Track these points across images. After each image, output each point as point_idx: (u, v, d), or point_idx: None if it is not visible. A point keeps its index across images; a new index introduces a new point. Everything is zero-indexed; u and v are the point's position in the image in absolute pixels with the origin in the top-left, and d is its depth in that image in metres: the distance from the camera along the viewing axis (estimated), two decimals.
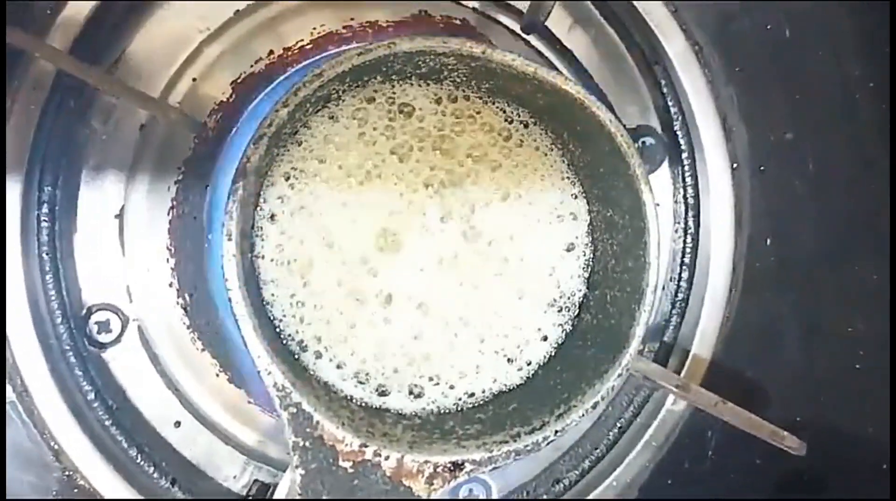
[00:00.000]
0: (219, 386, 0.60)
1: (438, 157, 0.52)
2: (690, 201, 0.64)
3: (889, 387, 0.65)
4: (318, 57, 0.58)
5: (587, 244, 0.54)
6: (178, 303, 0.59)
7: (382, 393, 0.51)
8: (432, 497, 0.46)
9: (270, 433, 0.61)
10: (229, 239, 0.44)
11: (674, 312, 0.65)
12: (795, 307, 0.66)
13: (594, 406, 0.47)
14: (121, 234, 0.58)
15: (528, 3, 0.59)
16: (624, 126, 0.48)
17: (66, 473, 0.56)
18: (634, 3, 0.61)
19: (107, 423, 0.57)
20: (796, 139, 0.65)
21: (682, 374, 0.62)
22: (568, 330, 0.54)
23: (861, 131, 0.66)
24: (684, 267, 0.65)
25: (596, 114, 0.47)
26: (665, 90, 0.63)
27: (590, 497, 0.64)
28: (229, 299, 0.44)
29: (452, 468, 0.46)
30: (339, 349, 0.51)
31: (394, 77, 0.50)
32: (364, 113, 0.51)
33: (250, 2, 0.58)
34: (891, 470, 0.63)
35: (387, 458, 0.45)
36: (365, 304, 0.51)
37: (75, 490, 0.56)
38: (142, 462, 0.58)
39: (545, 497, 0.63)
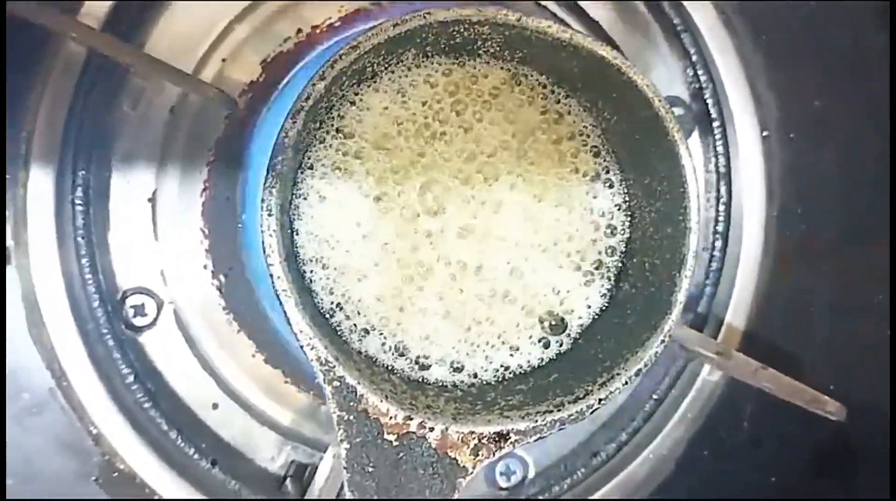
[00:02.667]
0: (255, 367, 0.60)
1: (480, 131, 0.52)
2: (722, 169, 0.64)
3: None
4: (346, 33, 0.58)
5: (624, 211, 0.54)
6: (212, 284, 0.59)
7: (423, 367, 0.51)
8: (478, 468, 0.46)
9: (306, 412, 0.61)
10: (269, 215, 0.44)
11: (707, 281, 0.65)
12: (828, 276, 0.66)
13: (637, 374, 0.47)
14: (154, 217, 0.58)
15: None
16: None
17: (106, 457, 0.56)
18: None
19: (145, 406, 0.57)
20: (825, 106, 0.65)
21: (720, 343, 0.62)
22: (607, 299, 0.53)
23: (883, 99, 0.66)
24: (717, 236, 0.64)
25: (633, 79, 0.46)
26: (694, 59, 0.63)
27: (627, 469, 0.64)
28: (270, 276, 0.44)
29: (497, 438, 0.46)
30: (380, 323, 0.51)
31: (428, 50, 0.49)
32: (403, 90, 0.51)
33: None
34: (891, 470, 0.63)
35: (431, 430, 0.45)
36: (407, 280, 0.51)
37: (115, 475, 0.57)
38: (181, 444, 0.58)
39: (583, 469, 0.63)
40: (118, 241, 0.57)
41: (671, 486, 0.64)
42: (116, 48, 0.52)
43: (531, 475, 0.64)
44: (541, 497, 0.63)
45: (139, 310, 0.58)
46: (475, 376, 0.52)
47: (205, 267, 0.59)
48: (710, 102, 0.63)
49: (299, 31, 0.59)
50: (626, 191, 0.53)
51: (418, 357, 0.51)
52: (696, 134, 0.64)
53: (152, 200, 0.58)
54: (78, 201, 0.56)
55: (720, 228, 0.64)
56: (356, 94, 0.51)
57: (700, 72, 0.63)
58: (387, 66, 0.50)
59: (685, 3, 0.61)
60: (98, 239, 0.57)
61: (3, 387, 0.54)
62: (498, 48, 0.50)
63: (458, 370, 0.52)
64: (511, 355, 0.52)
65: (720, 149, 0.64)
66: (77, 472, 0.56)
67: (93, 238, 0.57)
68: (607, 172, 0.53)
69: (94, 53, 0.54)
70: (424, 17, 0.45)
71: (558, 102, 0.53)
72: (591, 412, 0.47)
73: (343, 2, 0.59)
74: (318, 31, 0.59)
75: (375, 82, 0.51)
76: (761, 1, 0.63)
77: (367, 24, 0.59)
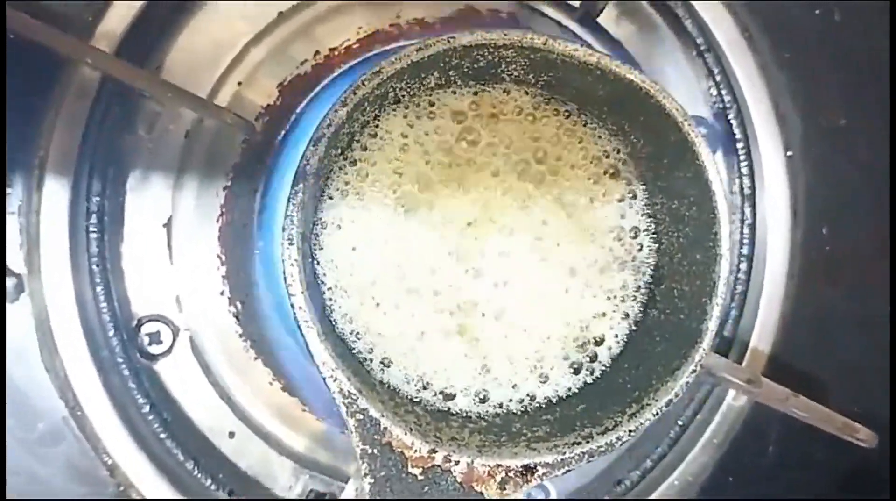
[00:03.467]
0: (272, 395, 0.59)
1: (506, 157, 0.51)
2: (746, 191, 0.63)
3: None
4: (365, 56, 0.57)
5: (651, 236, 0.53)
6: (229, 312, 0.58)
7: (448, 397, 0.50)
8: None
9: (323, 440, 0.60)
10: (290, 244, 0.43)
11: (732, 305, 0.64)
12: (854, 298, 0.65)
13: (668, 404, 0.46)
14: (169, 243, 0.57)
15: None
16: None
17: (121, 488, 0.56)
18: None
19: (161, 436, 0.56)
20: (849, 125, 0.64)
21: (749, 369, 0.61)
22: (634, 327, 0.52)
23: None
24: (742, 259, 0.64)
25: (661, 103, 0.46)
26: (717, 79, 0.63)
27: (651, 497, 0.63)
28: (292, 306, 0.43)
29: (524, 472, 0.45)
30: (404, 354, 0.50)
31: (452, 74, 0.48)
32: (427, 116, 0.51)
33: (294, 2, 0.58)
34: (891, 470, 0.62)
35: (457, 463, 0.44)
36: (431, 309, 0.50)
37: None
38: (198, 475, 0.57)
39: (606, 497, 0.62)
40: (133, 267, 0.57)
41: None
42: (131, 73, 0.51)
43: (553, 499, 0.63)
44: None
45: (154, 338, 0.57)
46: (500, 406, 0.51)
47: (221, 294, 0.58)
48: (734, 122, 0.63)
49: (316, 53, 0.58)
50: (653, 215, 0.52)
51: (443, 389, 0.50)
52: (719, 154, 0.63)
53: (167, 225, 0.57)
54: (92, 228, 0.55)
55: (745, 250, 0.64)
56: (378, 119, 0.50)
57: (724, 91, 0.63)
58: (409, 90, 0.49)
59: (708, 21, 0.61)
60: (112, 265, 0.56)
61: (3, 386, 0.54)
62: (523, 72, 0.49)
63: (483, 400, 0.51)
64: (539, 386, 0.51)
65: (744, 170, 0.63)
66: None
67: (107, 265, 0.56)
68: (634, 197, 0.53)
69: (108, 78, 0.53)
70: (448, 41, 0.45)
71: (585, 125, 0.52)
72: (621, 444, 0.46)
73: (360, 23, 0.59)
74: (335, 53, 0.58)
75: (398, 108, 0.50)
76: (784, 19, 0.63)
77: (385, 46, 0.58)
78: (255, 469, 0.59)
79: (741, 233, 0.64)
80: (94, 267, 0.55)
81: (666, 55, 0.63)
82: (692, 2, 0.61)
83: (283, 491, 0.59)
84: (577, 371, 0.52)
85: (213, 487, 0.57)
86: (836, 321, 0.65)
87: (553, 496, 0.62)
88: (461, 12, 0.60)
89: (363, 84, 0.44)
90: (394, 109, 0.50)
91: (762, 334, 0.63)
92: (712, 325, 0.47)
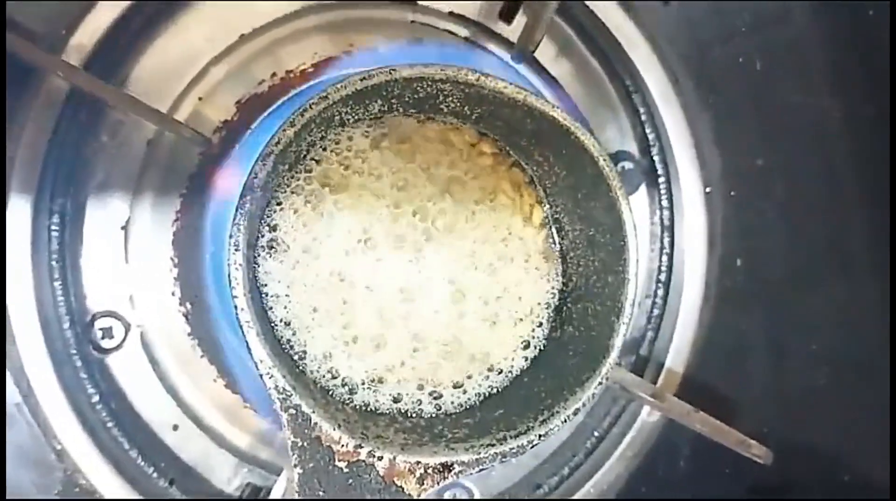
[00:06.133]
0: (216, 391, 0.62)
1: (433, 176, 0.56)
2: (666, 222, 0.68)
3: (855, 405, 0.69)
4: (318, 80, 0.61)
5: (568, 260, 0.57)
6: (179, 311, 0.61)
7: (375, 399, 0.54)
8: (422, 496, 0.48)
9: (262, 437, 0.64)
10: (236, 250, 0.46)
11: (649, 327, 0.68)
12: (764, 325, 0.70)
13: (575, 412, 0.50)
14: (126, 244, 0.60)
15: (518, 34, 0.63)
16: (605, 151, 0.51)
17: (68, 473, 0.58)
18: (617, 36, 0.65)
19: (108, 425, 0.59)
20: (766, 165, 0.69)
21: (657, 386, 0.66)
22: (543, 341, 0.57)
23: (829, 158, 0.70)
24: (659, 285, 0.68)
25: (580, 139, 0.50)
26: (643, 118, 0.67)
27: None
28: (234, 306, 0.46)
29: (442, 469, 0.48)
30: (334, 356, 0.54)
31: (394, 103, 0.53)
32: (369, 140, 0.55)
33: (254, 26, 0.61)
34: (891, 470, 0.66)
35: (380, 458, 0.47)
36: (362, 318, 0.54)
37: (76, 490, 0.58)
38: (141, 463, 0.60)
39: (526, 498, 0.66)
40: (90, 265, 0.59)
41: None
42: (97, 87, 0.54)
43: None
44: None
45: (107, 333, 0.60)
46: (422, 410, 0.55)
47: (172, 294, 0.61)
48: (656, 158, 0.67)
49: (273, 74, 0.62)
50: (573, 241, 0.57)
51: (369, 389, 0.54)
52: (643, 187, 0.67)
53: (125, 227, 0.60)
54: (54, 226, 0.58)
55: (663, 277, 0.68)
56: (325, 139, 0.54)
57: (648, 129, 0.67)
58: (355, 114, 0.53)
59: (637, 64, 0.65)
60: (71, 263, 0.59)
61: (3, 386, 0.56)
62: (459, 104, 0.53)
63: (407, 403, 0.55)
64: (454, 394, 0.55)
65: (665, 202, 0.67)
66: (39, 486, 0.57)
67: (66, 262, 0.59)
68: (556, 222, 0.57)
69: (76, 88, 0.56)
70: (390, 72, 0.48)
71: (510, 154, 0.57)
72: (531, 447, 0.50)
73: (317, 49, 0.62)
74: (291, 75, 0.62)
75: (345, 130, 0.54)
76: (708, 65, 0.67)
77: (339, 71, 0.62)
78: (197, 461, 0.62)
79: (660, 261, 0.68)
80: (53, 263, 0.58)
81: (599, 93, 0.67)
82: (624, 48, 0.65)
83: (222, 483, 0.62)
84: (491, 381, 0.56)
85: (155, 476, 0.60)
86: (748, 346, 0.70)
87: (476, 495, 0.66)
88: (411, 44, 0.64)
89: (311, 107, 0.47)
90: (342, 131, 0.54)
91: (676, 355, 0.67)
92: (618, 342, 0.51)
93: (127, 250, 0.60)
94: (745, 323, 0.69)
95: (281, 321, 0.53)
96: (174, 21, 0.60)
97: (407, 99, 0.52)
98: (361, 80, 0.48)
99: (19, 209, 0.57)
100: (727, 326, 0.69)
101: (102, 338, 0.60)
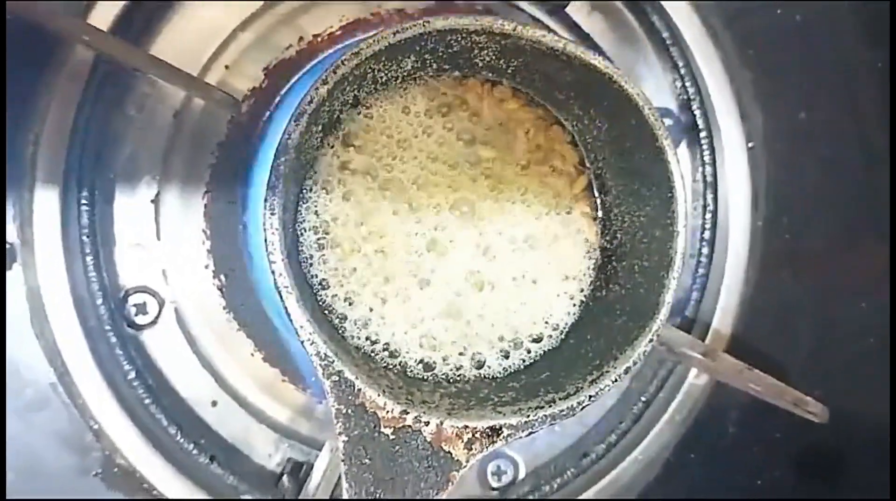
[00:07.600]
0: (253, 365, 0.61)
1: (476, 134, 0.55)
2: (709, 178, 0.66)
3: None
4: (346, 42, 0.60)
5: (613, 216, 0.56)
6: (213, 284, 0.60)
7: (421, 363, 0.53)
8: (471, 461, 0.47)
9: (303, 411, 0.63)
10: (272, 213, 0.45)
11: (694, 287, 0.67)
12: (811, 283, 0.68)
13: (626, 371, 0.49)
14: (157, 218, 0.59)
15: None
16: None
17: (107, 452, 0.57)
18: None
19: (146, 402, 0.58)
20: (809, 119, 0.67)
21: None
22: (589, 302, 0.56)
23: (866, 113, 0.68)
24: (704, 243, 0.66)
25: (623, 87, 0.48)
26: (682, 72, 0.65)
27: (615, 470, 0.65)
28: (272, 272, 0.45)
29: (490, 433, 0.47)
30: (377, 322, 0.52)
31: (427, 58, 0.51)
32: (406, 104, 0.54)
33: None
34: (891, 470, 0.65)
35: (427, 424, 0.46)
36: (405, 279, 0.53)
37: (115, 470, 0.57)
38: (181, 440, 0.59)
39: (572, 470, 0.65)
40: (122, 241, 0.59)
41: (659, 487, 0.66)
42: (127, 51, 0.53)
43: (522, 475, 0.65)
44: (531, 497, 0.65)
45: (141, 309, 0.59)
46: (465, 375, 0.54)
47: (206, 267, 0.60)
48: (697, 113, 0.66)
49: (300, 39, 0.60)
50: (617, 196, 0.55)
51: (415, 356, 0.53)
52: (683, 144, 0.66)
53: (155, 201, 0.59)
54: (84, 202, 0.57)
55: (707, 235, 0.66)
56: (359, 103, 0.53)
57: (688, 84, 0.65)
58: (388, 72, 0.51)
59: (674, 17, 0.63)
60: (102, 239, 0.58)
61: (3, 385, 0.55)
62: (494, 57, 0.52)
63: (449, 368, 0.53)
64: (497, 359, 0.54)
65: (707, 159, 0.66)
66: (77, 467, 0.57)
67: (97, 238, 0.58)
68: (597, 177, 0.55)
69: (101, 59, 0.55)
70: (423, 25, 0.47)
71: (549, 110, 0.55)
72: (581, 409, 0.48)
73: (343, 12, 0.61)
74: (318, 39, 0.61)
75: (377, 92, 0.53)
76: (747, 17, 0.66)
77: (366, 33, 0.60)
78: (237, 437, 0.61)
79: (703, 219, 0.66)
80: (84, 239, 0.57)
81: (634, 48, 0.66)
82: (660, 1, 0.63)
83: (262, 459, 0.62)
84: (538, 341, 0.55)
85: (195, 452, 0.59)
86: (795, 305, 0.68)
87: (522, 467, 0.65)
88: (439, 4, 0.62)
89: (343, 64, 0.46)
90: (374, 93, 0.53)
91: (723, 316, 0.66)
92: (669, 297, 0.49)
93: (158, 224, 0.59)
94: (791, 282, 0.68)
95: (321, 285, 0.51)
96: None
97: (441, 53, 0.51)
98: (394, 34, 0.47)
99: (47, 186, 0.56)
100: (773, 284, 0.67)
101: (136, 314, 0.59)
